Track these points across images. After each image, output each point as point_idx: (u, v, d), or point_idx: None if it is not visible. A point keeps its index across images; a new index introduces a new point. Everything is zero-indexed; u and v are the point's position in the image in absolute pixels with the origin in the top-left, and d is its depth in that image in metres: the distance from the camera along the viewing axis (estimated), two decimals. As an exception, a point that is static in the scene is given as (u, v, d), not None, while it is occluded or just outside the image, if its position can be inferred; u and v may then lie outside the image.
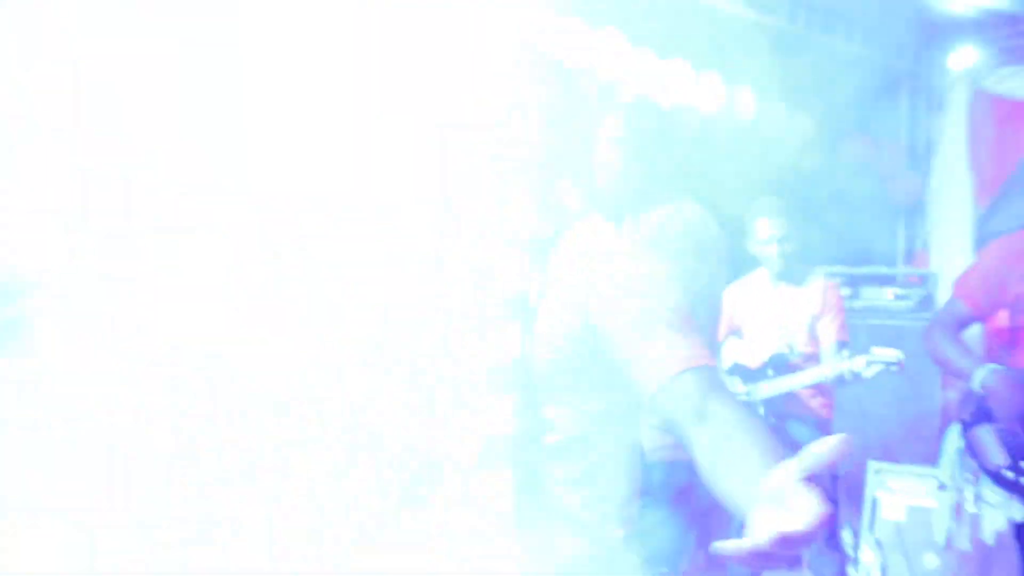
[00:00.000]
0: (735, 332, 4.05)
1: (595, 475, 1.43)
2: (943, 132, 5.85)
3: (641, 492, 1.54)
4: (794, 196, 4.65)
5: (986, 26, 5.60)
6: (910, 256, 6.14)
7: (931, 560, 3.77)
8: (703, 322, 2.65)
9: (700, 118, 4.87)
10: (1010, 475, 2.97)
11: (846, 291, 5.07)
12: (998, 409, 2.97)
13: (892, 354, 3.53)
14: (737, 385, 3.92)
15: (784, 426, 3.86)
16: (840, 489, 4.08)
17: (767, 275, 3.96)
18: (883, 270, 5.26)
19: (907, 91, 6.21)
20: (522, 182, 1.46)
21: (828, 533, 4.09)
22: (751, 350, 3.99)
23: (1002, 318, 3.11)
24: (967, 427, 3.12)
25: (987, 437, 3.04)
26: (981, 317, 3.17)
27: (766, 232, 3.84)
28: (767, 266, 3.93)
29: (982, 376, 2.98)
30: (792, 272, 3.93)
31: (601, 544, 1.45)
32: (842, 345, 3.85)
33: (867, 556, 3.92)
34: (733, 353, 4.05)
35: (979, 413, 3.06)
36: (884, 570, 3.88)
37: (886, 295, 5.05)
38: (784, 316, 3.93)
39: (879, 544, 3.90)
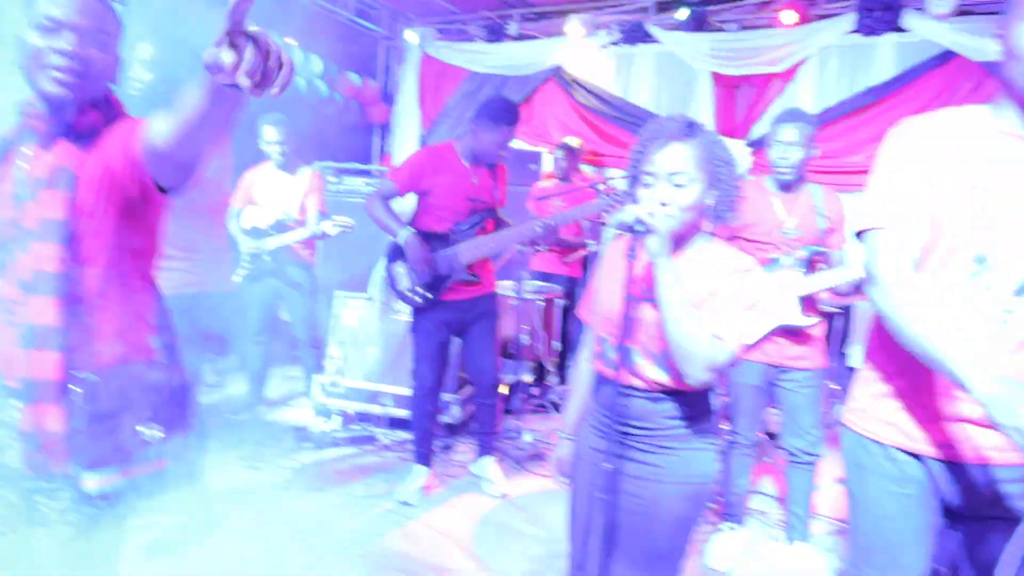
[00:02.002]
0: (251, 203, 4.49)
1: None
2: (404, 78, 6.74)
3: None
4: (304, 116, 5.43)
5: (428, 16, 6.73)
6: (381, 157, 7.00)
7: (371, 350, 4.54)
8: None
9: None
10: (409, 295, 3.49)
11: (334, 179, 5.76)
12: (409, 255, 3.40)
13: (347, 220, 4.19)
14: (251, 242, 4.38)
15: (284, 268, 4.43)
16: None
17: (273, 165, 4.45)
18: (359, 166, 5.98)
19: (384, 49, 7.09)
20: None
21: (315, 340, 4.71)
22: (261, 217, 4.45)
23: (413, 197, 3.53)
24: (389, 263, 3.54)
25: (399, 270, 3.50)
26: (402, 194, 3.47)
27: (270, 136, 4.35)
28: (272, 159, 4.42)
29: (405, 235, 3.40)
30: (289, 164, 4.45)
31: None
32: (321, 215, 4.44)
33: (334, 351, 4.59)
34: (249, 219, 4.49)
35: (395, 255, 3.49)
36: (345, 359, 4.55)
37: (361, 182, 5.76)
38: (283, 194, 4.44)
39: (342, 343, 4.59)
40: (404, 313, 4.45)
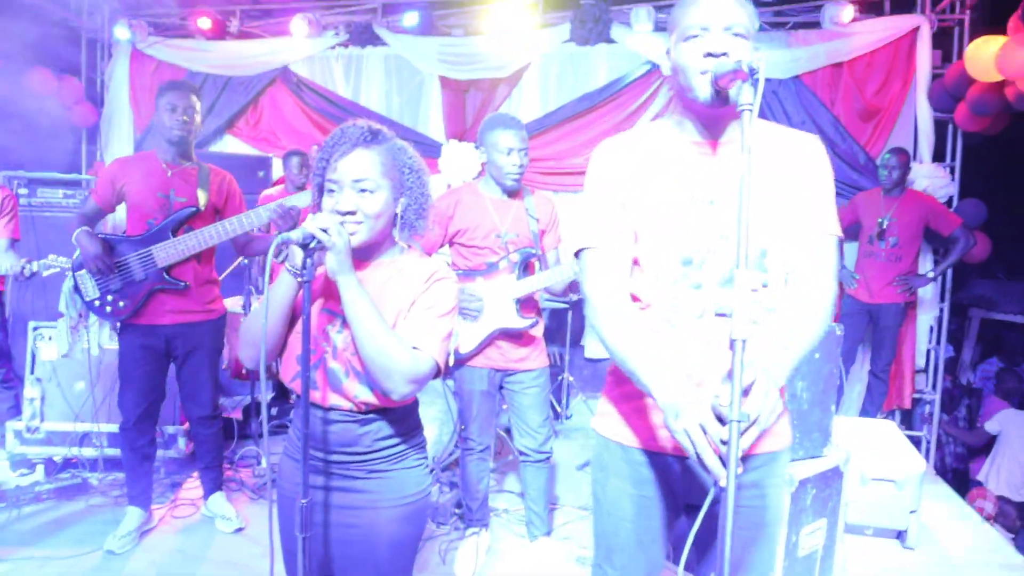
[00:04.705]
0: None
1: None
2: (112, 77, 6.07)
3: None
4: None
5: (138, 8, 6.10)
6: (91, 165, 6.22)
7: (79, 385, 3.97)
8: None
9: None
10: (97, 304, 3.14)
11: (24, 191, 5.01)
12: (82, 254, 3.06)
13: (61, 261, 3.31)
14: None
15: None
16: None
17: None
18: (59, 175, 5.23)
19: (87, 42, 6.26)
20: None
21: (3, 377, 4.22)
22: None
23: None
24: (74, 271, 3.17)
25: (84, 278, 3.14)
26: (104, 207, 3.18)
27: None
28: None
29: (76, 233, 3.04)
30: None
31: None
32: (12, 243, 3.77)
33: (30, 391, 3.97)
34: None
35: (77, 264, 3.13)
36: (45, 399, 3.97)
37: (59, 195, 5.11)
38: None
39: (39, 380, 3.99)
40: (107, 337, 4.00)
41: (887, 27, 5.09)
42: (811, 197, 1.54)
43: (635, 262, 1.61)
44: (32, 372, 4.05)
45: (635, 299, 1.60)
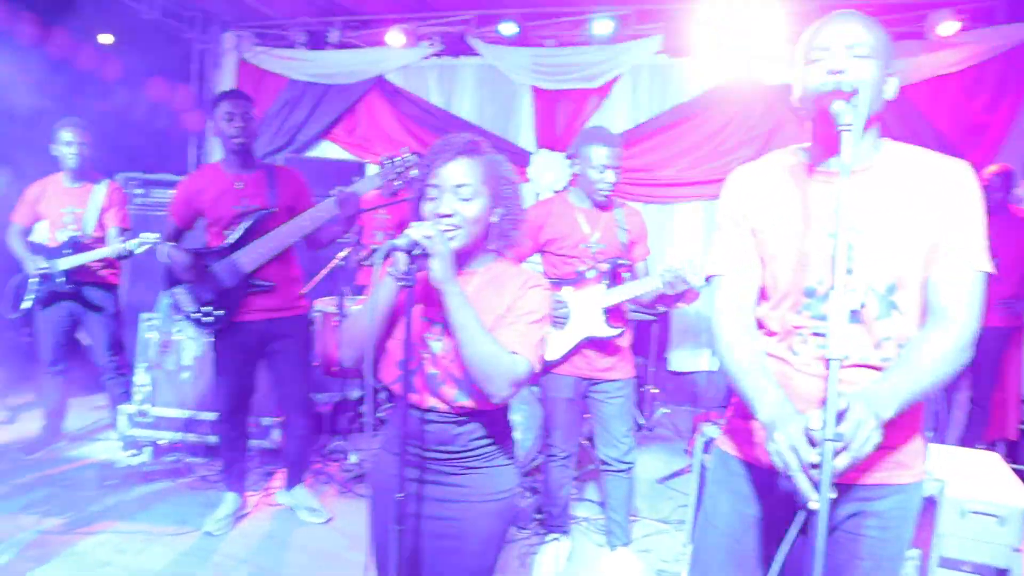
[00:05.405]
0: (39, 219, 4.10)
1: None
2: (219, 85, 6.39)
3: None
4: (103, 120, 5.00)
5: (244, 20, 6.41)
6: (199, 168, 6.75)
7: (186, 376, 4.15)
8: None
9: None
10: (195, 316, 3.24)
11: (140, 191, 5.35)
12: (174, 268, 3.18)
13: (152, 236, 3.87)
14: (41, 261, 3.98)
15: (81, 290, 4.10)
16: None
17: (64, 176, 4.08)
18: (171, 177, 5.49)
19: (197, 53, 6.63)
20: None
21: (117, 365, 4.37)
22: (51, 233, 4.08)
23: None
24: (169, 288, 3.26)
25: (180, 294, 3.24)
26: (183, 226, 3.34)
27: (67, 137, 3.99)
28: (66, 164, 4.04)
29: (164, 249, 3.17)
30: (85, 174, 4.11)
31: None
32: (122, 231, 4.16)
33: (142, 378, 4.21)
34: (38, 236, 4.12)
35: (171, 278, 3.24)
36: (155, 385, 4.16)
37: (171, 195, 5.31)
38: (78, 208, 4.08)
39: (151, 368, 4.19)
40: (195, 336, 4.20)
41: (999, 37, 4.87)
42: (955, 227, 1.45)
43: (762, 290, 1.62)
44: (143, 360, 4.30)
45: (762, 326, 1.63)
